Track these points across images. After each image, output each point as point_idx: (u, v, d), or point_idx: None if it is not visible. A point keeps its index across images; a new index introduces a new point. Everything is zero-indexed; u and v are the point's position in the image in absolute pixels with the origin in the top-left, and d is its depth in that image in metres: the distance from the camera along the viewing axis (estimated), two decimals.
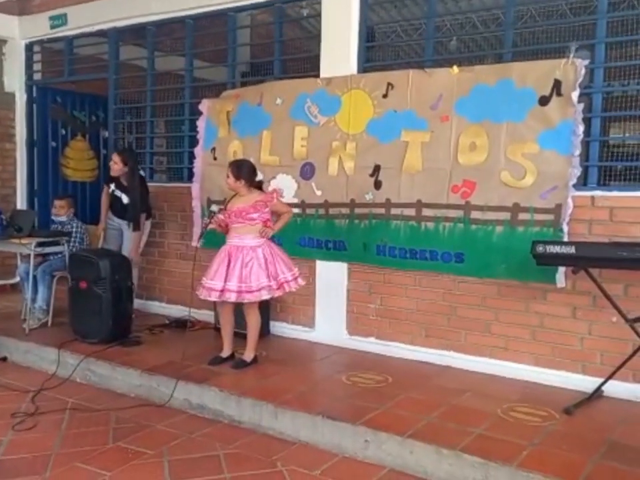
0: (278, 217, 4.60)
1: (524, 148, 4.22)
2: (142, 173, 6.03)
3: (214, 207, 4.51)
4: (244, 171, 4.48)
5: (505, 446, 3.26)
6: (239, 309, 4.61)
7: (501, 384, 4.28)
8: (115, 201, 5.95)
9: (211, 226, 4.47)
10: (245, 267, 4.36)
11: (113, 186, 5.89)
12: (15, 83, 7.46)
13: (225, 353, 4.65)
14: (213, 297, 4.41)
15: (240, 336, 4.75)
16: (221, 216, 4.46)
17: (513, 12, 4.53)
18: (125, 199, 5.80)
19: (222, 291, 4.35)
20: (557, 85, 4.09)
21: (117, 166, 5.73)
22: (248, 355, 4.58)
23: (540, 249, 3.77)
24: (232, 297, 4.36)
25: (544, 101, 4.14)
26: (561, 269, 4.12)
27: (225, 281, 4.35)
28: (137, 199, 5.72)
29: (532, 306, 4.33)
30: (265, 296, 4.42)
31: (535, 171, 4.19)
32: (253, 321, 4.55)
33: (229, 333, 4.64)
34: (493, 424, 3.56)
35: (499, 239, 4.35)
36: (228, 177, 4.47)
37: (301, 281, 4.57)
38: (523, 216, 4.25)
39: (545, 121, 4.15)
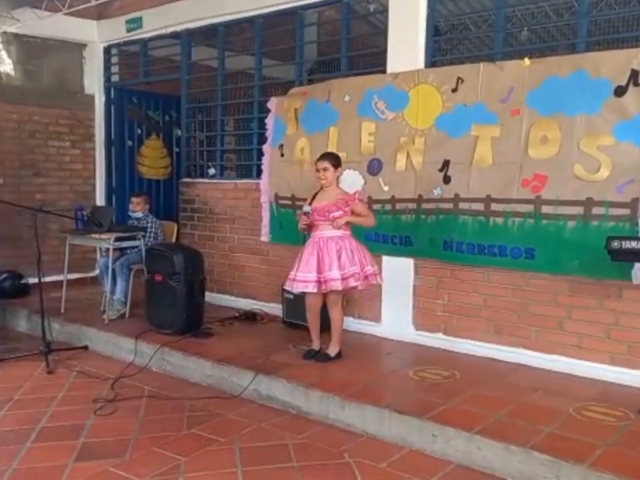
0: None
1: (599, 140, 4.09)
2: None
3: (306, 207, 4.46)
4: (340, 159, 4.57)
5: (576, 445, 3.20)
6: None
7: (574, 383, 4.17)
8: None
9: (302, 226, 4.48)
10: (338, 256, 4.36)
11: None
12: (95, 85, 7.85)
13: (317, 345, 4.67)
14: (310, 289, 4.39)
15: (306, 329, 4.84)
16: (305, 217, 4.45)
17: None
18: None
19: (318, 281, 4.35)
20: (634, 74, 3.94)
21: None
22: (333, 349, 4.61)
23: (615, 244, 3.66)
24: (338, 286, 4.33)
25: (620, 91, 4.00)
26: (638, 265, 3.96)
27: (320, 272, 4.35)
28: None
29: (606, 303, 4.19)
30: (353, 283, 4.38)
31: (610, 164, 4.05)
32: (337, 315, 4.55)
33: (317, 327, 4.65)
34: (565, 422, 3.49)
35: (571, 234, 4.24)
36: (326, 169, 4.43)
37: (380, 279, 4.58)
38: (596, 210, 4.12)
39: (621, 112, 4.01)
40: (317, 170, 4.50)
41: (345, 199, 4.44)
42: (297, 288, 4.46)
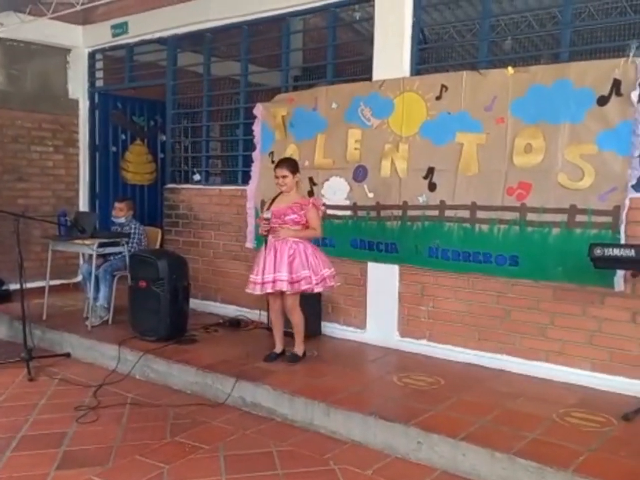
0: (306, 227, 4.58)
1: (582, 149, 4.14)
2: None
3: (267, 214, 4.52)
4: (297, 165, 4.69)
5: (560, 451, 3.22)
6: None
7: (557, 389, 4.20)
8: None
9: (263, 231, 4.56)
10: (290, 259, 4.47)
11: None
12: (79, 90, 7.79)
13: (278, 348, 4.77)
14: (268, 289, 4.50)
15: (288, 335, 4.83)
16: (266, 223, 4.53)
17: (571, 10, 4.45)
18: None
19: (273, 281, 4.47)
20: (617, 84, 4.00)
21: None
22: (299, 349, 4.72)
23: (598, 251, 3.70)
24: (284, 287, 4.45)
25: (603, 101, 4.06)
26: (620, 273, 4.02)
27: (275, 272, 4.47)
28: None
29: (589, 310, 4.23)
30: (304, 286, 4.48)
31: (593, 173, 4.10)
32: (296, 319, 4.65)
33: (280, 330, 4.76)
34: (548, 428, 3.51)
35: (555, 242, 4.28)
36: (285, 176, 4.54)
37: (336, 281, 4.66)
38: (580, 218, 4.17)
39: (603, 122, 4.06)
40: (277, 177, 4.59)
41: (300, 203, 4.54)
42: (258, 290, 4.54)
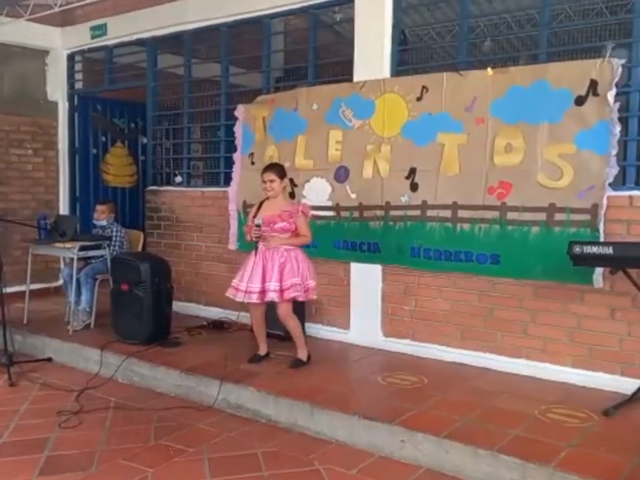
0: (296, 235, 4.57)
1: (560, 148, 4.20)
2: None
3: (258, 220, 4.47)
4: (284, 170, 4.65)
5: (542, 447, 3.25)
6: (271, 309, 4.66)
7: (538, 385, 4.25)
8: None
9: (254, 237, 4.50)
10: (281, 267, 4.44)
11: None
12: (58, 92, 7.71)
13: (262, 351, 4.76)
14: (254, 299, 4.46)
15: (274, 337, 4.83)
16: (257, 230, 4.49)
17: (549, 11, 4.51)
18: None
19: (261, 292, 4.43)
20: (593, 84, 4.06)
21: None
22: (302, 354, 4.68)
23: (577, 249, 3.74)
24: (275, 297, 4.42)
25: (580, 101, 4.12)
26: (599, 270, 4.08)
27: (264, 282, 4.42)
28: None
29: (569, 307, 4.29)
30: (293, 293, 4.44)
31: (571, 172, 4.16)
32: (292, 325, 4.61)
33: (262, 334, 4.75)
34: (531, 425, 3.55)
35: (535, 240, 4.33)
36: (273, 181, 4.51)
37: (315, 294, 4.63)
38: (559, 216, 4.22)
39: (581, 121, 4.12)
40: (264, 181, 4.55)
41: (289, 212, 4.51)
42: (240, 297, 4.49)
